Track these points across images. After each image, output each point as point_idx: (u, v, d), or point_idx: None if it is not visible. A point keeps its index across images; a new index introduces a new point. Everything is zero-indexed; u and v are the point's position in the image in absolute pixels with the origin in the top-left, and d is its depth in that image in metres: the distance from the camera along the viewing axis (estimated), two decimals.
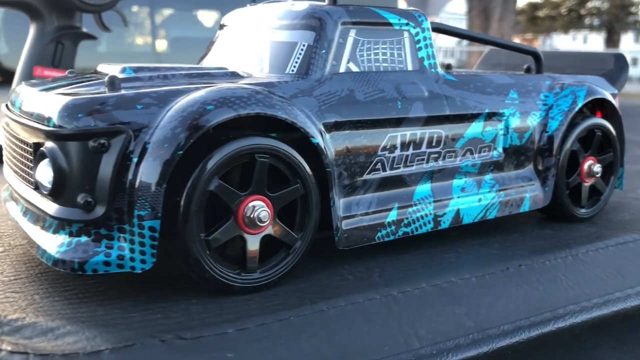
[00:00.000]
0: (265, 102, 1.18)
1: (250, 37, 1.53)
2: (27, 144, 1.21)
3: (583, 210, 1.74)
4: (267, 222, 1.18)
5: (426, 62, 1.51)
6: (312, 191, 1.25)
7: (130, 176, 1.09)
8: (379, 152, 1.39)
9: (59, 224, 1.15)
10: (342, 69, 1.39)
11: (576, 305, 1.29)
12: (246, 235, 1.18)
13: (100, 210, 1.10)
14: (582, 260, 1.44)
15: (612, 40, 25.73)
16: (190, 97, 1.15)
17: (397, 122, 1.41)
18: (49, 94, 1.22)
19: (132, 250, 1.11)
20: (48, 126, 1.12)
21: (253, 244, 1.19)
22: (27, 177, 1.24)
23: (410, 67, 1.49)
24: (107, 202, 1.10)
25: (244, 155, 1.16)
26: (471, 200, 1.53)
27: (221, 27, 1.73)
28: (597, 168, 1.73)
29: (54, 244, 1.14)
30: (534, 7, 27.64)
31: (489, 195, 1.56)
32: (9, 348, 0.93)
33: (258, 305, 1.13)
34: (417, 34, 1.50)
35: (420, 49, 1.51)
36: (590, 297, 1.32)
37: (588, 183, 1.74)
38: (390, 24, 1.47)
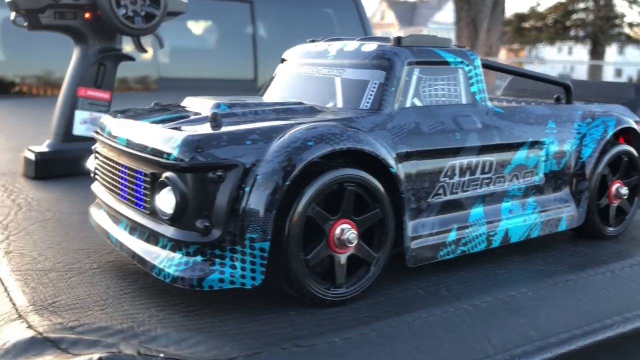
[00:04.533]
0: (355, 138, 1.35)
1: (317, 73, 1.69)
2: (140, 173, 1.36)
3: (611, 229, 1.92)
4: (355, 243, 1.34)
5: (477, 96, 1.68)
6: (389, 215, 1.41)
7: (243, 203, 1.25)
8: (441, 179, 1.55)
9: (175, 245, 1.30)
10: (408, 104, 1.55)
11: (620, 316, 1.46)
12: (335, 255, 1.34)
13: (216, 234, 1.25)
14: (618, 275, 1.61)
15: (596, 51, 26.20)
16: (292, 134, 1.31)
17: (456, 152, 1.57)
18: (159, 127, 1.37)
19: (243, 269, 1.26)
20: (168, 159, 1.27)
21: (341, 262, 1.35)
22: (137, 201, 1.39)
23: (464, 101, 1.65)
24: (223, 227, 1.25)
25: (335, 184, 1.32)
26: (517, 221, 1.70)
27: (282, 60, 1.89)
28: (624, 190, 1.91)
29: (171, 263, 1.28)
30: (520, 18, 28.06)
31: (532, 216, 1.73)
32: (161, 355, 1.07)
33: (350, 317, 1.29)
34: (469, 70, 1.67)
35: (472, 84, 1.67)
36: (631, 309, 1.49)
37: (615, 204, 1.92)
38: (447, 63, 1.63)
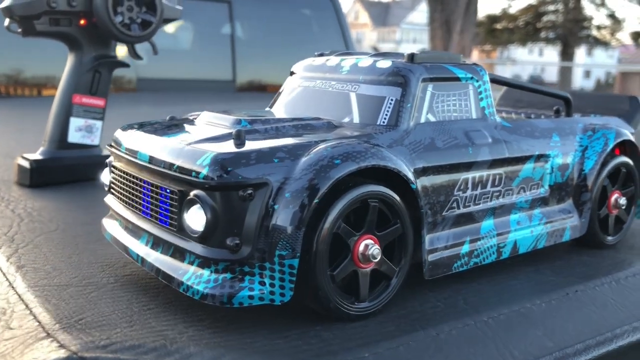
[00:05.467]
0: (379, 155, 1.37)
1: (331, 88, 1.71)
2: (166, 190, 1.37)
3: (610, 238, 1.98)
4: (379, 258, 1.37)
5: (487, 111, 1.72)
6: (409, 229, 1.44)
7: (272, 221, 1.27)
8: (455, 193, 1.59)
9: (203, 262, 1.31)
10: (422, 120, 1.59)
11: (629, 325, 1.52)
12: (359, 270, 1.37)
13: (245, 251, 1.27)
14: (623, 285, 1.67)
15: (566, 53, 26.70)
16: (318, 152, 1.33)
17: (469, 166, 1.61)
18: (184, 145, 1.37)
19: (272, 285, 1.28)
20: (197, 177, 1.28)
21: (364, 277, 1.38)
22: (162, 217, 1.40)
23: (474, 116, 1.69)
24: (252, 244, 1.27)
25: (359, 200, 1.35)
26: (525, 233, 1.74)
27: (291, 73, 1.91)
28: (623, 201, 1.97)
29: (200, 280, 1.30)
30: (492, 19, 28.45)
31: (538, 228, 1.78)
32: None
33: (376, 331, 1.32)
34: (479, 86, 1.71)
35: (481, 99, 1.72)
36: (639, 318, 1.55)
37: (614, 214, 1.98)
38: (458, 79, 1.67)
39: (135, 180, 1.50)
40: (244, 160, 1.28)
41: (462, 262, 1.59)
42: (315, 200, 1.27)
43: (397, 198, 1.41)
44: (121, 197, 1.58)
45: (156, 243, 1.44)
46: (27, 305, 1.40)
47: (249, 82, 7.75)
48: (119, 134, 1.64)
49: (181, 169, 1.32)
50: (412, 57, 1.64)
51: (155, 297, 1.46)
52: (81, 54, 2.82)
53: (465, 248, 1.60)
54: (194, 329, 1.29)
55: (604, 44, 29.91)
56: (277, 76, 8.15)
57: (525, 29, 29.61)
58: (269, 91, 7.73)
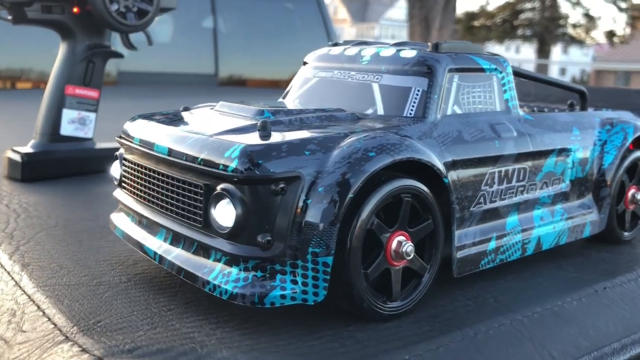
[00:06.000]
0: (413, 148, 1.32)
1: (351, 78, 1.64)
2: (189, 184, 1.29)
3: (627, 234, 1.95)
4: (412, 255, 1.31)
5: (510, 103, 1.67)
6: (440, 225, 1.39)
7: (305, 217, 1.20)
8: (482, 187, 1.54)
9: (231, 259, 1.24)
10: (449, 112, 1.53)
11: None
12: (392, 268, 1.31)
13: (277, 248, 1.20)
14: None
15: (543, 50, 26.97)
16: (351, 144, 1.26)
17: (496, 160, 1.56)
18: (207, 137, 1.30)
19: (304, 284, 1.21)
20: (226, 171, 1.20)
21: (397, 275, 1.32)
22: (184, 212, 1.32)
23: (498, 108, 1.65)
24: (284, 241, 1.20)
25: (393, 195, 1.29)
26: (548, 229, 1.70)
27: (304, 63, 1.84)
28: None
29: (228, 279, 1.22)
30: (470, 16, 28.60)
31: (560, 223, 1.74)
32: None
33: (411, 332, 1.26)
34: (502, 77, 1.66)
35: (505, 91, 1.67)
36: None
37: (630, 209, 1.95)
38: (483, 70, 1.62)
39: (151, 174, 1.42)
40: (274, 152, 1.21)
41: (489, 259, 1.54)
42: (350, 195, 1.21)
43: (430, 193, 1.35)
44: (135, 191, 1.50)
45: (176, 239, 1.36)
46: (38, 307, 1.32)
47: (231, 76, 7.65)
48: (130, 125, 1.56)
49: (207, 162, 1.25)
50: (436, 46, 1.58)
51: (173, 297, 1.39)
52: (74, 44, 2.71)
53: (492, 245, 1.55)
54: (222, 331, 1.22)
55: (579, 42, 30.26)
56: (259, 71, 8.06)
57: (502, 27, 29.81)
58: (248, 86, 7.63)
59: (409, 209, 1.32)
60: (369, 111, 1.55)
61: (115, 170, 1.60)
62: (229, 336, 1.20)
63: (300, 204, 1.21)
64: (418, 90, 1.51)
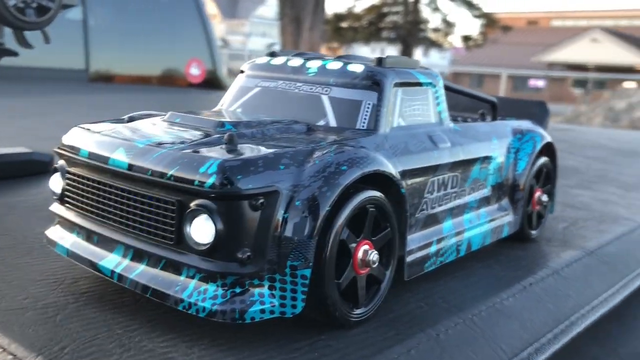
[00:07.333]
0: (377, 161, 1.37)
1: (298, 89, 1.66)
2: (156, 199, 1.25)
3: (534, 232, 2.15)
4: (377, 263, 1.37)
5: (442, 115, 1.79)
6: (396, 233, 1.46)
7: (284, 231, 1.21)
8: (425, 195, 1.63)
9: (207, 277, 1.22)
10: (395, 124, 1.61)
11: (578, 313, 1.67)
12: (358, 276, 1.36)
13: (256, 263, 1.20)
14: (564, 276, 1.83)
15: (406, 53, 28.33)
16: (322, 158, 1.29)
17: (435, 169, 1.66)
18: (175, 151, 1.27)
19: (283, 297, 1.23)
20: (202, 187, 1.19)
21: (362, 282, 1.37)
22: (148, 229, 1.28)
23: (433, 120, 1.75)
24: (264, 256, 1.21)
25: (360, 206, 1.34)
26: (476, 231, 1.84)
27: (241, 72, 1.84)
28: (545, 197, 2.15)
29: (204, 296, 1.21)
30: (338, 18, 29.39)
31: (485, 226, 1.89)
32: None
33: (381, 337, 1.32)
34: (436, 91, 1.77)
35: (438, 104, 1.78)
36: (584, 305, 1.71)
37: (537, 210, 2.16)
38: (421, 84, 1.72)
39: (106, 189, 1.35)
40: (252, 167, 1.21)
41: (432, 262, 1.64)
42: (327, 208, 1.24)
43: (389, 204, 1.42)
44: (83, 206, 1.42)
45: (138, 256, 1.31)
46: None
47: (104, 71, 7.29)
48: (72, 137, 1.47)
49: (179, 178, 1.22)
50: (380, 61, 1.65)
51: (132, 315, 1.34)
52: None
53: (434, 248, 1.65)
54: (199, 349, 1.20)
55: (438, 45, 32.13)
56: (133, 67, 7.75)
57: (368, 29, 30.91)
58: (120, 82, 7.32)
59: (373, 219, 1.38)
60: (321, 122, 1.59)
61: (55, 184, 1.50)
62: (208, 353, 1.19)
63: (279, 218, 1.22)
64: (369, 104, 1.57)
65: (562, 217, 2.49)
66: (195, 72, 7.99)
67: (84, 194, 1.41)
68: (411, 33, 28.35)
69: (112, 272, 1.34)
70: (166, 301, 1.25)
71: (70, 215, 1.46)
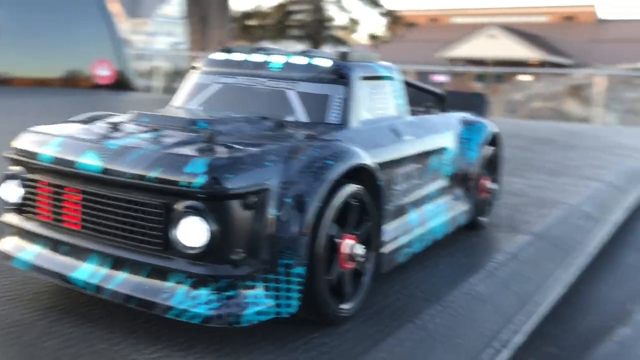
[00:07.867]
0: (358, 155, 1.37)
1: (262, 85, 1.63)
2: (135, 202, 1.18)
3: (484, 219, 2.23)
4: (363, 257, 1.37)
5: (402, 108, 1.81)
6: (376, 226, 1.46)
7: (276, 229, 1.18)
8: (392, 187, 1.65)
9: (198, 281, 1.17)
10: (362, 118, 1.61)
11: (540, 296, 1.74)
12: (345, 271, 1.35)
13: (249, 264, 1.16)
14: (521, 260, 1.91)
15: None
16: (307, 154, 1.27)
17: (401, 161, 1.68)
18: (154, 151, 1.21)
19: (277, 297, 1.20)
20: (189, 187, 1.13)
21: (349, 277, 1.36)
22: (128, 235, 1.21)
23: (395, 113, 1.77)
24: (257, 256, 1.17)
25: (345, 200, 1.33)
26: (438, 221, 1.88)
27: (193, 68, 1.78)
28: (493, 185, 2.23)
29: (197, 302, 1.15)
30: (245, 15, 29.18)
31: (445, 215, 1.93)
32: None
33: (373, 330, 1.32)
34: (395, 84, 1.79)
35: (397, 97, 1.80)
36: (542, 286, 1.79)
37: (486, 197, 2.23)
38: (382, 77, 1.73)
39: (75, 195, 1.27)
40: (241, 165, 1.17)
41: (403, 254, 1.66)
42: (318, 204, 1.22)
43: (369, 197, 1.42)
44: (47, 215, 1.32)
45: (118, 264, 1.24)
46: None
47: (1, 74, 6.84)
48: (26, 141, 1.37)
49: (162, 179, 1.16)
50: (344, 55, 1.65)
51: (111, 328, 1.26)
52: None
53: (404, 240, 1.67)
54: (194, 357, 1.15)
55: (344, 43, 32.56)
56: (31, 68, 7.33)
57: (276, 27, 30.87)
58: (16, 85, 6.89)
59: (356, 213, 1.37)
60: (290, 118, 1.56)
61: (10, 193, 1.39)
62: None
63: (270, 216, 1.19)
64: (338, 98, 1.56)
65: (503, 204, 2.59)
66: (103, 72, 7.68)
67: (50, 201, 1.31)
68: (318, 31, 28.61)
69: (87, 283, 1.25)
70: (154, 310, 1.18)
71: (31, 226, 1.36)
